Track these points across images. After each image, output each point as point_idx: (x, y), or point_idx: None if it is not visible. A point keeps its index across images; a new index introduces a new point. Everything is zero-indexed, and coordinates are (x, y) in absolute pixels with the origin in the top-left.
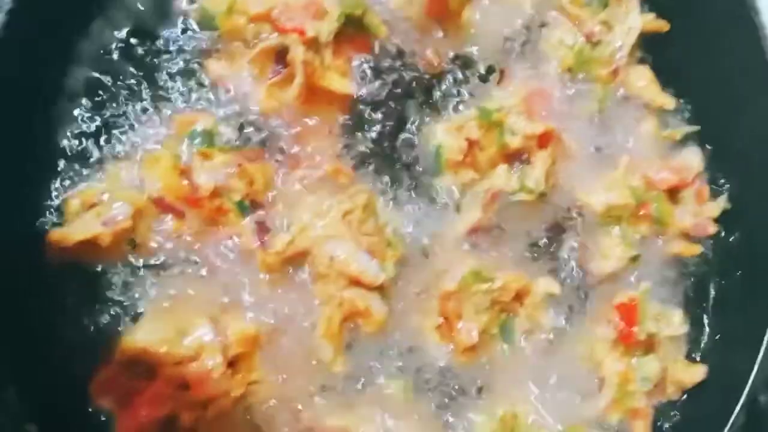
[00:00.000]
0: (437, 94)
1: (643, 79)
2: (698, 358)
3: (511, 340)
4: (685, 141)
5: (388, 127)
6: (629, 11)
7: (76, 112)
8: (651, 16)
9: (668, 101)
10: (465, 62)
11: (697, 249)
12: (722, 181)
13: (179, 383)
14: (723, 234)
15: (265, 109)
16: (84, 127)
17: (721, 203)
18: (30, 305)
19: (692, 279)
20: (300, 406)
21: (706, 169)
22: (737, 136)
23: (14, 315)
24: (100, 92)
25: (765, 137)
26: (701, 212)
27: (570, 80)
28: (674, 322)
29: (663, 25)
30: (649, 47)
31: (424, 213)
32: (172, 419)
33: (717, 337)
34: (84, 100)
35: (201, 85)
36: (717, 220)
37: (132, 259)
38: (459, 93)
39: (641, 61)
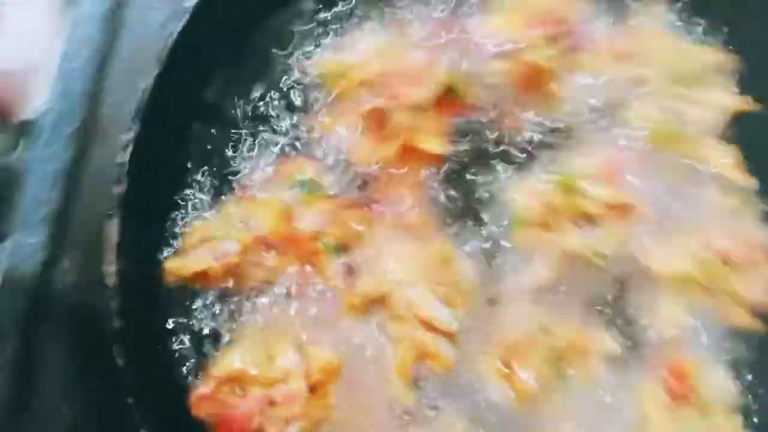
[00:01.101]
0: (520, 156)
1: (727, 157)
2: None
3: (568, 390)
4: (763, 219)
5: (471, 184)
6: (721, 90)
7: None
8: (744, 97)
9: (750, 181)
10: (549, 128)
11: (759, 325)
12: None
13: (268, 401)
14: None
15: (363, 162)
16: (203, 168)
17: None
18: (145, 326)
19: (751, 352)
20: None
21: None
22: None
23: (134, 336)
24: (217, 134)
25: None
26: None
27: (652, 151)
28: (724, 386)
29: (753, 106)
30: (737, 125)
31: (496, 266)
32: None
33: None
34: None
35: (310, 135)
36: None
37: (235, 289)
38: (541, 156)
39: (728, 138)
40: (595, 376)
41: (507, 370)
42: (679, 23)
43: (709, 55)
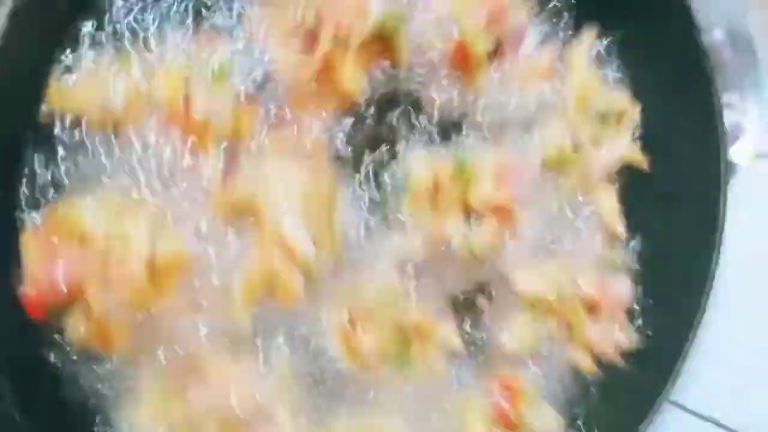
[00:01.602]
0: (430, 126)
1: (607, 200)
2: None
3: (401, 369)
4: (622, 269)
5: (377, 136)
6: (620, 137)
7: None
8: (637, 150)
9: (621, 231)
10: (464, 113)
11: (593, 368)
12: (640, 322)
13: (98, 265)
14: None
15: (279, 71)
16: (122, 13)
17: (631, 340)
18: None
19: (580, 389)
20: (189, 340)
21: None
22: (671, 287)
23: None
24: None
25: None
26: (611, 338)
27: (547, 170)
28: (548, 420)
29: (642, 162)
30: (625, 174)
31: (375, 224)
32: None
33: None
34: None
35: (237, 23)
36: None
37: (109, 139)
38: (448, 135)
39: (613, 182)
40: (432, 365)
41: (350, 329)
42: (602, 62)
43: (619, 100)
